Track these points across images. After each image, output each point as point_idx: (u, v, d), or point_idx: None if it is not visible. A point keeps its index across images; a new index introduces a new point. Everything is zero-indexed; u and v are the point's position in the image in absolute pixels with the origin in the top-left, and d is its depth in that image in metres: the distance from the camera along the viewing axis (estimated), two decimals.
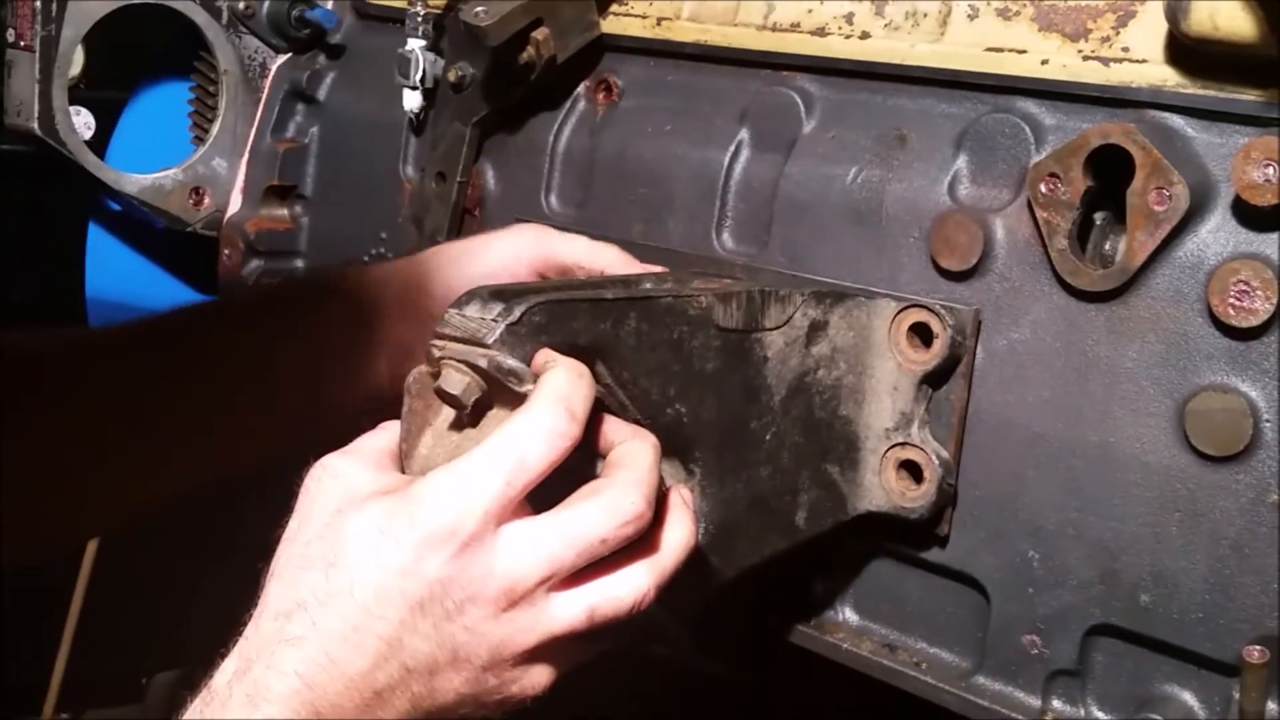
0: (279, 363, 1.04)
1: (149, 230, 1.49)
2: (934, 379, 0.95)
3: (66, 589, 1.95)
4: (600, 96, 1.21)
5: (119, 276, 1.51)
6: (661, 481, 0.83)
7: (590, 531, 0.75)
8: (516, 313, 0.77)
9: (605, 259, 1.06)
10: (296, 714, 0.71)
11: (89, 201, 1.49)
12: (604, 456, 0.80)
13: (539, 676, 0.78)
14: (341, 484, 0.77)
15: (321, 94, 1.44)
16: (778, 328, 0.92)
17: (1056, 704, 0.93)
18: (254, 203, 1.45)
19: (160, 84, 1.49)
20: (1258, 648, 0.81)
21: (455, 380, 0.77)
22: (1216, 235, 0.86)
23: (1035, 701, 0.94)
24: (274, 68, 1.46)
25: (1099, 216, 0.91)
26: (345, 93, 1.43)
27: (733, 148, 1.09)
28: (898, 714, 1.06)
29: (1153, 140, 0.85)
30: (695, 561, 0.89)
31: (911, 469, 0.96)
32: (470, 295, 0.79)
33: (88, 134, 1.38)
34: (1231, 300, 0.83)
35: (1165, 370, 0.87)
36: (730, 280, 0.95)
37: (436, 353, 0.78)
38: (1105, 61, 0.92)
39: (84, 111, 1.38)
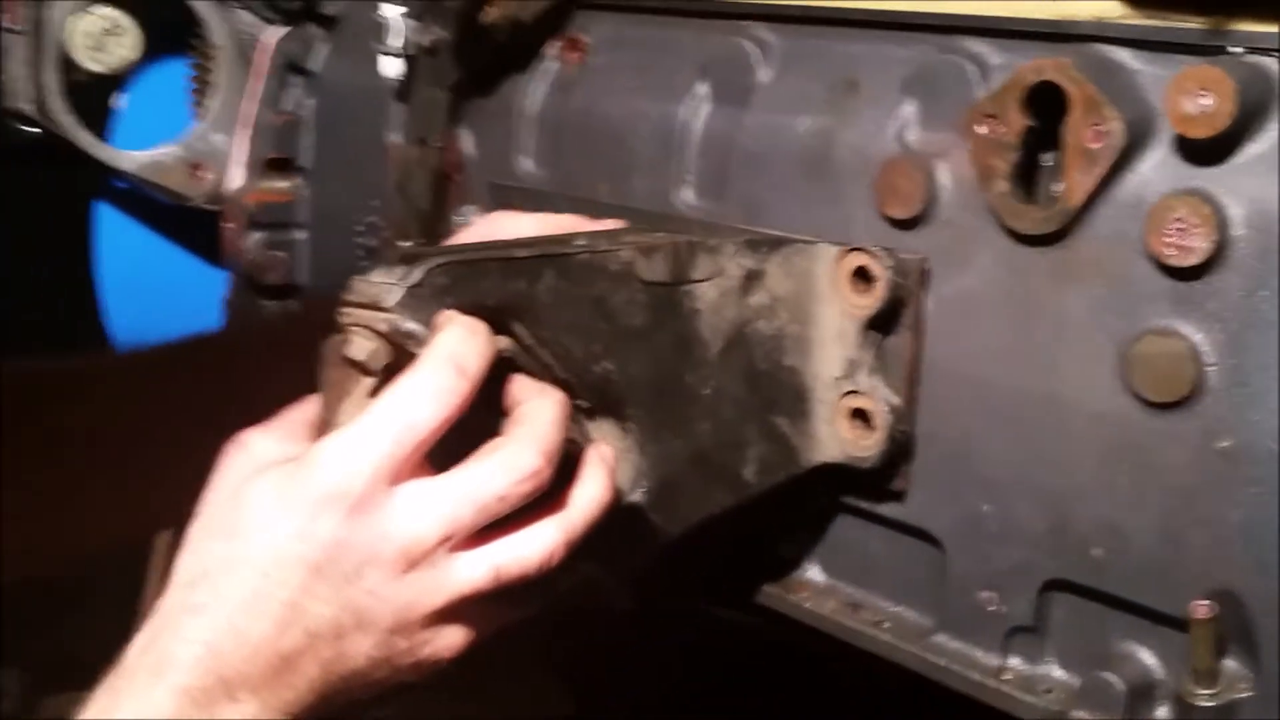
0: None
1: (156, 206, 1.51)
2: (879, 323, 0.92)
3: None
4: (571, 55, 1.20)
5: (130, 254, 1.53)
6: (578, 439, 0.82)
7: (486, 489, 0.74)
8: (416, 275, 0.76)
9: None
10: (202, 681, 0.71)
11: (97, 184, 1.51)
12: None
13: (451, 638, 0.77)
14: (250, 456, 0.78)
15: (315, 65, 1.44)
16: (708, 279, 0.90)
17: (1014, 661, 0.90)
18: (254, 176, 1.45)
19: (161, 62, 1.50)
20: (1205, 602, 0.77)
21: (360, 346, 0.77)
22: (1158, 172, 0.82)
23: (994, 660, 0.91)
24: (267, 41, 1.46)
25: (1048, 158, 0.87)
26: (337, 63, 1.42)
27: (693, 102, 1.07)
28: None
29: (1095, 75, 0.82)
30: (635, 519, 0.89)
31: (863, 417, 0.93)
32: (377, 261, 0.79)
33: None
34: (1169, 239, 0.79)
35: (1109, 315, 0.83)
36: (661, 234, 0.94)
37: (344, 319, 0.78)
38: None
39: None
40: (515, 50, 1.22)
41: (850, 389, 0.93)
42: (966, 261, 0.90)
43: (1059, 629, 0.89)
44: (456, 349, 0.75)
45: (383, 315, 0.77)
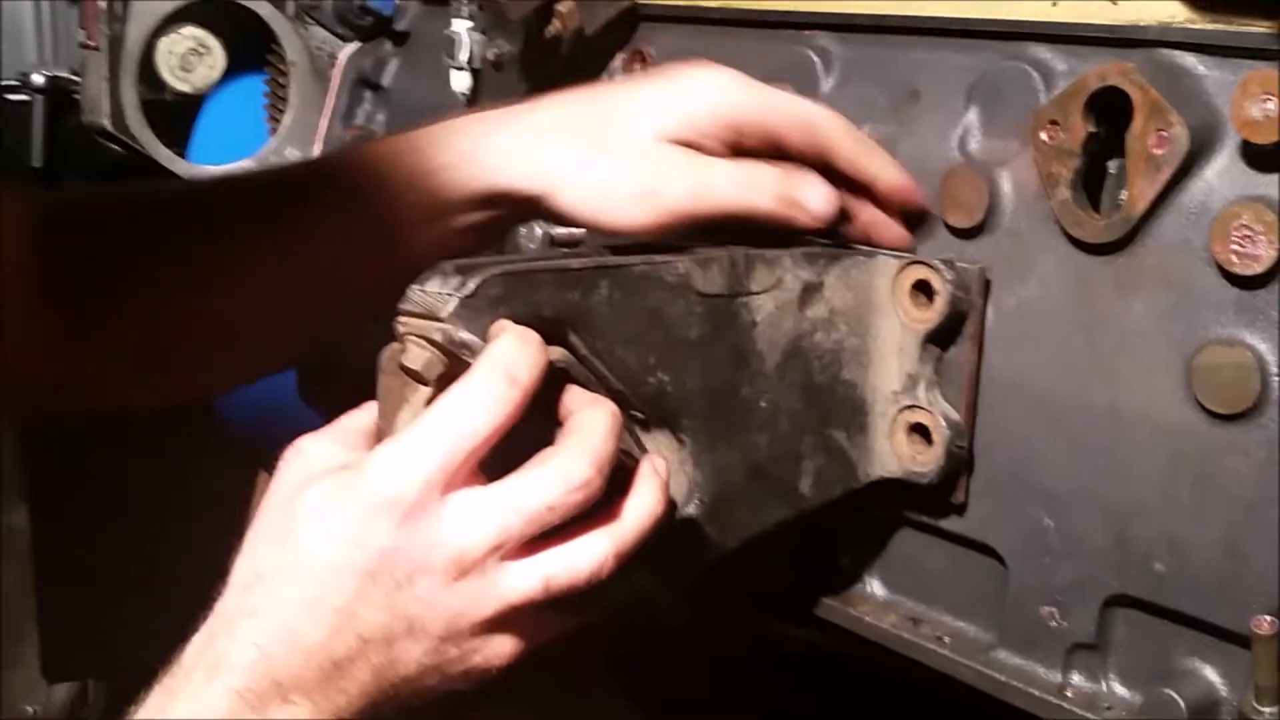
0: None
1: None
2: (939, 338, 0.91)
3: None
4: (636, 68, 1.20)
5: None
6: (633, 450, 0.82)
7: (537, 499, 0.74)
8: (470, 286, 0.77)
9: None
10: (257, 684, 0.72)
11: None
12: None
13: (501, 647, 0.78)
14: (306, 462, 0.79)
15: (386, 80, 1.46)
16: (765, 291, 0.89)
17: (1076, 678, 0.88)
18: None
19: (238, 79, 1.53)
20: (1268, 618, 0.75)
21: (416, 355, 0.78)
22: (1223, 178, 0.80)
23: (1055, 676, 0.89)
24: (341, 57, 1.49)
25: (1113, 165, 0.86)
26: (408, 78, 1.45)
27: None
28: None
29: (1160, 80, 0.80)
30: (689, 532, 0.88)
31: (922, 432, 0.92)
32: (433, 270, 0.80)
33: None
34: (1234, 246, 0.77)
35: (1172, 324, 0.81)
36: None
37: (400, 329, 0.79)
38: (1114, 0, 0.87)
39: None
40: (582, 63, 1.22)
41: (909, 403, 0.92)
42: (1028, 271, 0.89)
43: (1121, 645, 0.87)
44: (509, 358, 0.75)
45: (437, 325, 0.77)
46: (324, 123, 1.49)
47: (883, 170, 0.94)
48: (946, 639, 0.96)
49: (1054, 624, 0.89)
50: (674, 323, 0.86)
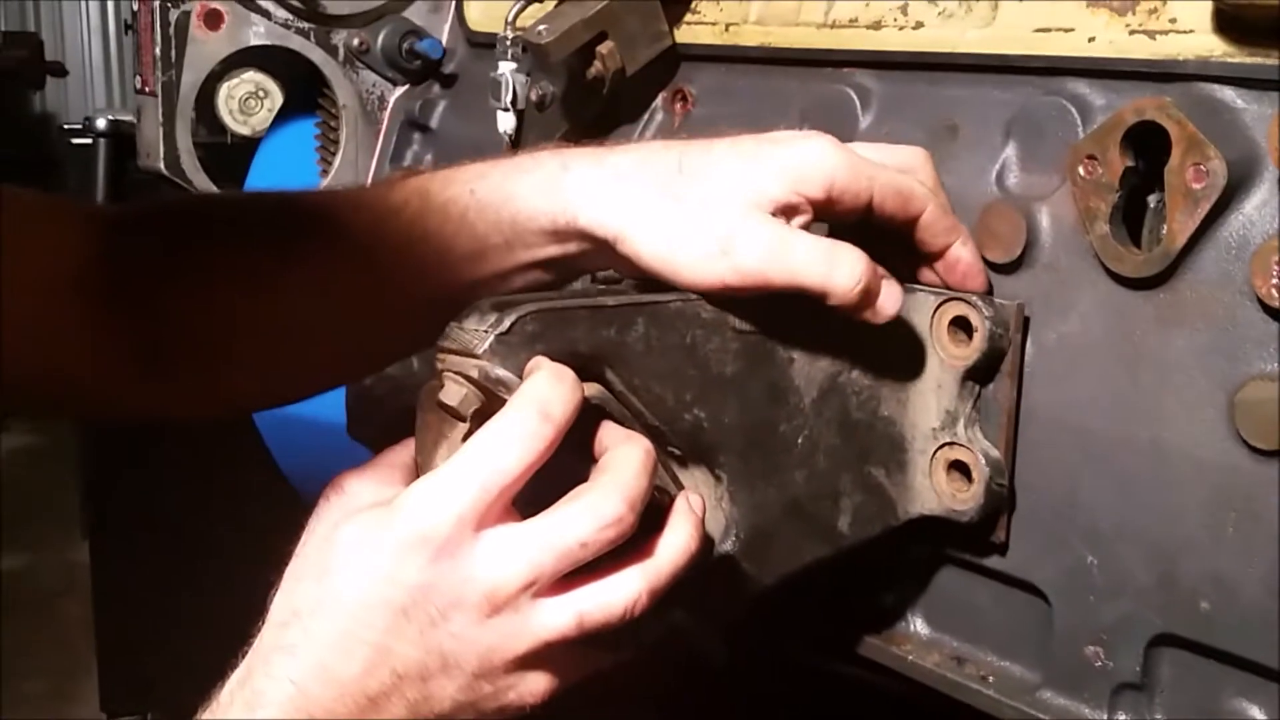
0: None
1: None
2: (978, 374, 0.90)
3: None
4: (677, 107, 1.21)
5: None
6: (668, 487, 0.82)
7: (569, 536, 0.75)
8: (506, 323, 0.78)
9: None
10: (292, 718, 0.73)
11: None
12: None
13: (536, 684, 0.78)
14: (345, 499, 0.80)
15: (434, 122, 1.48)
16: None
17: (1122, 719, 0.87)
18: None
19: (290, 122, 1.55)
20: None
21: (453, 392, 0.79)
22: (1262, 211, 0.79)
23: (1101, 716, 0.88)
24: (391, 99, 1.51)
25: (1154, 199, 0.85)
26: (455, 119, 1.46)
27: None
28: None
29: (1197, 114, 0.80)
30: (726, 569, 0.88)
31: (962, 469, 0.91)
32: (472, 308, 0.81)
33: None
34: (1275, 280, 0.76)
35: (1214, 359, 0.81)
36: None
37: (439, 365, 0.80)
38: (1152, 35, 0.86)
39: None
40: (624, 103, 1.23)
41: (949, 440, 0.92)
42: (1068, 306, 0.88)
43: (1167, 685, 0.86)
44: (542, 395, 0.76)
45: (473, 362, 0.78)
46: (374, 164, 1.51)
47: (962, 254, 0.90)
48: (991, 678, 0.95)
49: (1099, 664, 0.88)
50: (710, 359, 0.86)
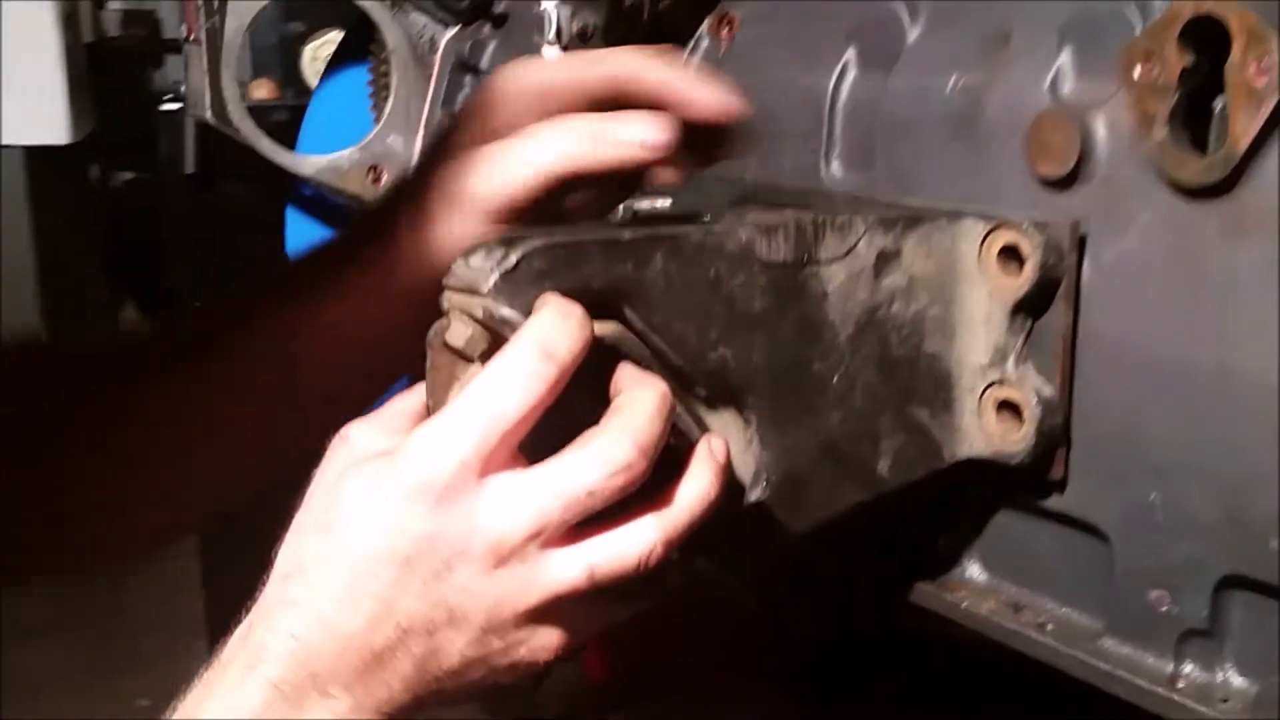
0: (301, 352, 0.97)
1: (341, 212, 1.53)
2: (1030, 306, 0.84)
3: None
4: (723, 33, 1.15)
5: None
6: (690, 432, 0.77)
7: (575, 483, 0.70)
8: (512, 259, 0.73)
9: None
10: (293, 675, 0.69)
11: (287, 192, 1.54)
12: None
13: (547, 639, 0.74)
14: (350, 448, 0.76)
15: (484, 63, 1.44)
16: (837, 259, 0.83)
17: (1189, 669, 0.80)
18: None
19: (343, 69, 1.53)
20: None
21: (458, 332, 0.75)
22: None
23: (1167, 666, 0.81)
24: (442, 42, 1.47)
25: (1219, 104, 0.78)
26: (503, 59, 1.42)
27: (839, 69, 1.01)
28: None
29: (1260, 4, 0.72)
30: (757, 515, 0.83)
31: (1013, 409, 0.85)
32: (478, 244, 0.76)
33: None
34: None
35: None
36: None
37: (445, 304, 0.76)
38: None
39: None
40: (669, 32, 1.18)
41: (998, 378, 0.85)
42: (1127, 222, 0.81)
43: (1237, 631, 0.79)
44: (545, 333, 0.71)
45: (478, 300, 0.74)
46: (426, 109, 1.47)
47: (693, 89, 0.88)
48: (1050, 626, 0.88)
49: (1164, 609, 0.81)
50: (736, 294, 0.80)
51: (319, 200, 1.51)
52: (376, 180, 1.46)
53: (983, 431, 0.86)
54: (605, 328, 0.75)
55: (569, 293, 0.73)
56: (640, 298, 0.77)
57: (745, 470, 0.82)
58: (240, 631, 0.72)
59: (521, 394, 0.70)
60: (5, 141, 3.03)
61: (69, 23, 3.11)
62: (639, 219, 0.88)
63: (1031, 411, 0.83)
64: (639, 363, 0.77)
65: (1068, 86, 0.86)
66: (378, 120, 1.48)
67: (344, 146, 1.47)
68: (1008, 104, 0.88)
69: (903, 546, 0.96)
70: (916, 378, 0.87)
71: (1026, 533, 0.91)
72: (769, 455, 0.83)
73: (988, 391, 0.86)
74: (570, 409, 0.73)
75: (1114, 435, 0.83)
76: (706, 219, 0.84)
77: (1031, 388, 0.84)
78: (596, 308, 0.75)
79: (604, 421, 0.72)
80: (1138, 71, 0.78)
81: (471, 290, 0.74)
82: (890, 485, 0.87)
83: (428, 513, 0.70)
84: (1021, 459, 0.84)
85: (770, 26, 1.10)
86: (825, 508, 0.85)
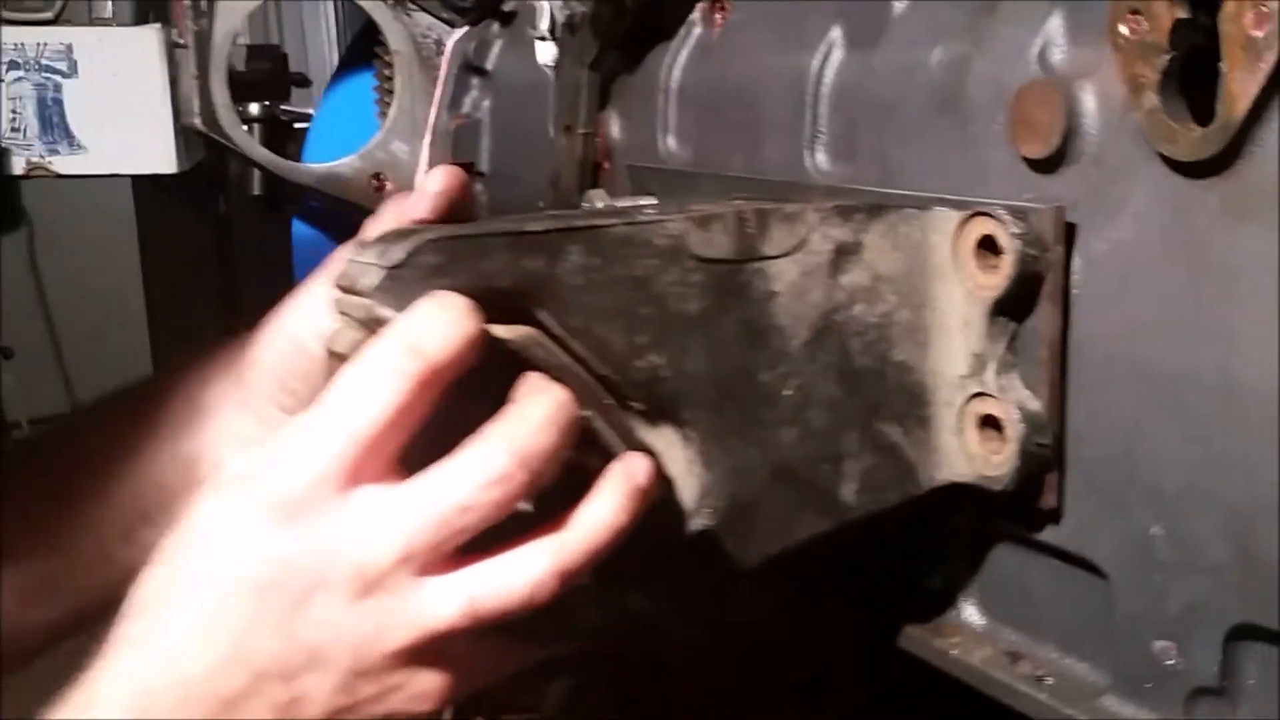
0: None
1: (346, 221, 1.46)
2: (1011, 306, 0.72)
3: None
4: (716, 17, 1.05)
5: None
6: (610, 448, 0.67)
7: (447, 497, 0.61)
8: (398, 254, 0.64)
9: None
10: None
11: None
12: None
13: (428, 683, 0.64)
14: (216, 472, 0.68)
15: (490, 63, 1.36)
16: (786, 254, 0.73)
17: None
18: None
19: (348, 75, 1.46)
20: None
21: (342, 337, 0.67)
22: None
23: None
24: (450, 43, 1.39)
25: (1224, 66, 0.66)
26: (510, 58, 1.33)
27: (824, 48, 0.90)
28: None
29: None
30: (700, 545, 0.73)
31: (995, 425, 0.73)
32: (381, 236, 0.67)
33: None
34: None
35: None
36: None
37: (334, 307, 0.68)
38: None
39: None
40: (659, 19, 1.08)
41: (978, 390, 0.74)
42: (1120, 207, 0.69)
43: (1252, 688, 0.66)
44: (415, 329, 0.62)
45: (359, 301, 0.65)
46: (433, 112, 1.39)
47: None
48: (1048, 679, 0.76)
49: (1170, 662, 0.69)
50: (667, 294, 0.70)
51: (325, 212, 1.45)
52: (380, 189, 1.39)
53: (963, 452, 0.75)
54: (513, 332, 0.66)
55: (469, 293, 0.64)
56: (555, 298, 0.67)
57: (688, 494, 0.72)
58: (88, 672, 0.64)
59: (385, 395, 0.61)
60: (115, 171, 3.05)
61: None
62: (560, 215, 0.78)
63: (1014, 429, 0.72)
64: (554, 371, 0.67)
65: (1058, 55, 0.74)
66: (383, 125, 1.41)
67: (348, 151, 1.40)
68: (992, 77, 0.76)
69: (888, 584, 0.85)
70: (885, 390, 0.76)
71: (1023, 570, 0.79)
72: (714, 477, 0.72)
73: (969, 405, 0.75)
74: (473, 423, 0.64)
75: (1111, 456, 0.70)
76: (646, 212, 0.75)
77: (1014, 402, 0.72)
78: (506, 310, 0.66)
79: (484, 430, 0.63)
80: (1125, 29, 0.66)
81: (355, 290, 0.65)
82: (857, 513, 0.76)
83: (278, 532, 0.61)
84: (1004, 484, 0.73)
85: (759, 8, 1.00)
86: (780, 538, 0.74)
